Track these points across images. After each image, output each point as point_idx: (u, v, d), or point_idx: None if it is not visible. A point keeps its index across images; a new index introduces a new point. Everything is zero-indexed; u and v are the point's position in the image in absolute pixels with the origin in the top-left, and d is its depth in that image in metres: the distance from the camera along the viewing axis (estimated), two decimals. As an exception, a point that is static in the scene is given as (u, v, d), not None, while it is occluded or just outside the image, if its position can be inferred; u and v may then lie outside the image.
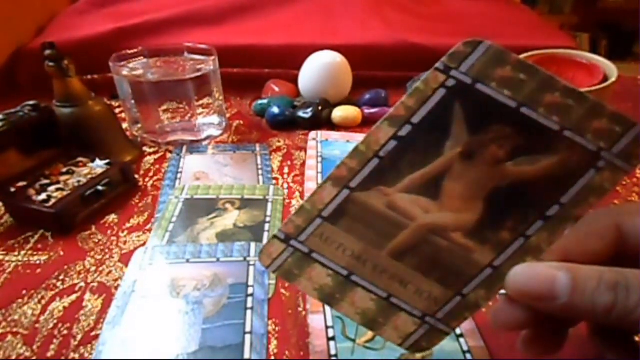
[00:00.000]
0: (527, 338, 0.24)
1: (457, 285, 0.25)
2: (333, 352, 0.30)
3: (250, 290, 0.35)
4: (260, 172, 0.52)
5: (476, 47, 0.22)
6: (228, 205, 0.45)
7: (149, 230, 0.43)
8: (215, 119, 0.60)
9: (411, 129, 0.23)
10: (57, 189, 0.44)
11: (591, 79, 0.54)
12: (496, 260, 0.24)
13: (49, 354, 0.31)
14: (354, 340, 0.31)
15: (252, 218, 0.44)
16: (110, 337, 0.31)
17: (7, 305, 0.35)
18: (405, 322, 0.25)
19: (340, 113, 0.61)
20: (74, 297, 0.35)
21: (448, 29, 0.79)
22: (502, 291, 0.24)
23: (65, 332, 0.32)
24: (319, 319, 0.33)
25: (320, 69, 0.65)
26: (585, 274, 0.21)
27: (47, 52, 0.48)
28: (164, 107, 0.58)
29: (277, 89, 0.69)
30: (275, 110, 0.62)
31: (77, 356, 0.31)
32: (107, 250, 0.40)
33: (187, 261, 0.38)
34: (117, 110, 0.61)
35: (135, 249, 0.40)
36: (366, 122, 0.62)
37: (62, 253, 0.40)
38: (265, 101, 0.65)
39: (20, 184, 0.44)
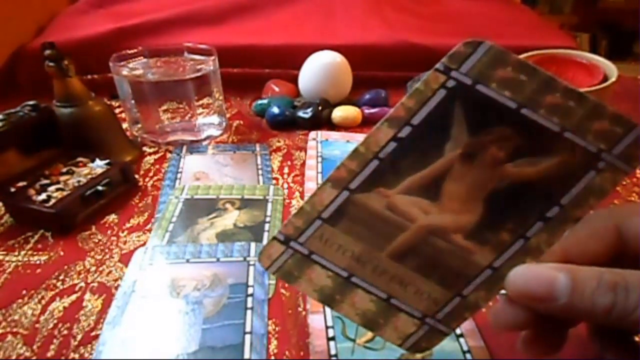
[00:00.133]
0: (527, 338, 0.24)
1: (457, 286, 0.25)
2: (333, 352, 0.30)
3: (250, 290, 0.35)
4: (260, 172, 0.52)
5: (476, 48, 0.22)
6: (228, 205, 0.45)
7: (149, 230, 0.43)
8: (215, 119, 0.60)
9: (411, 130, 0.23)
10: (57, 189, 0.44)
11: (591, 79, 0.54)
12: (496, 262, 0.24)
13: (49, 354, 0.31)
14: (354, 340, 0.31)
15: (252, 218, 0.44)
16: (110, 337, 0.31)
17: (7, 305, 0.35)
18: (405, 322, 0.25)
19: (340, 113, 0.61)
20: (74, 297, 0.35)
21: (448, 29, 0.79)
22: (502, 292, 0.24)
23: (65, 332, 0.32)
24: (319, 319, 0.33)
25: (320, 69, 0.65)
26: (584, 274, 0.21)
27: (47, 52, 0.48)
28: (164, 107, 0.58)
29: (277, 89, 0.69)
30: (275, 110, 0.62)
31: (77, 356, 0.31)
32: (107, 250, 0.40)
33: (187, 261, 0.38)
34: (117, 110, 0.61)
35: (135, 249, 0.40)
36: (366, 122, 0.62)
37: (62, 253, 0.40)
38: (265, 101, 0.65)
39: (20, 184, 0.44)
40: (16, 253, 0.40)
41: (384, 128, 0.23)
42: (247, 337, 0.31)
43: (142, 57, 0.59)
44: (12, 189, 0.43)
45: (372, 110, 0.63)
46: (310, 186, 0.49)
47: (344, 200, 0.24)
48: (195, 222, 0.43)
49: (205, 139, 0.59)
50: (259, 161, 0.54)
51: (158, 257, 0.38)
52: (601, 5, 2.31)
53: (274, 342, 0.32)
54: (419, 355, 0.30)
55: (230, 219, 0.43)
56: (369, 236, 0.25)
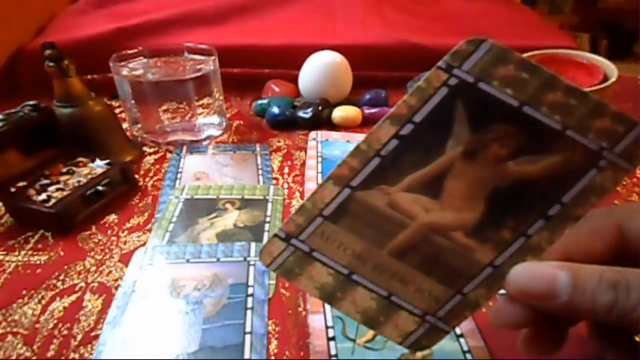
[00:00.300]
0: (527, 337, 0.24)
1: (457, 284, 0.25)
2: (333, 352, 0.30)
3: (250, 290, 0.35)
4: (260, 172, 0.52)
5: (479, 46, 0.22)
6: (228, 205, 0.45)
7: (149, 230, 0.43)
8: (215, 119, 0.60)
9: (413, 128, 0.23)
10: (57, 189, 0.44)
11: (591, 79, 0.54)
12: (497, 259, 0.24)
13: (49, 354, 0.31)
14: (354, 340, 0.31)
15: (252, 218, 0.44)
16: (110, 337, 0.31)
17: (7, 305, 0.35)
18: (405, 320, 0.25)
19: (340, 113, 0.61)
20: (74, 297, 0.35)
21: (448, 29, 0.79)
22: (502, 291, 0.24)
23: (65, 332, 0.32)
24: (319, 319, 0.33)
25: (320, 69, 0.65)
26: (585, 273, 0.21)
27: (47, 52, 0.48)
28: (164, 107, 0.58)
29: (277, 89, 0.69)
30: (275, 110, 0.62)
31: (77, 356, 0.31)
32: (107, 250, 0.40)
33: (187, 261, 0.38)
34: (117, 110, 0.61)
35: (135, 249, 0.40)
36: (366, 122, 0.62)
37: (62, 253, 0.40)
38: (265, 101, 0.65)
39: (20, 184, 0.44)
40: (16, 253, 0.40)
41: (385, 125, 0.23)
42: (247, 337, 0.31)
43: (142, 57, 0.59)
44: (12, 189, 0.43)
45: (372, 110, 0.63)
46: (310, 186, 0.49)
47: (346, 198, 0.24)
48: (195, 222, 0.43)
49: (205, 139, 0.58)
50: (259, 161, 0.54)
51: (158, 257, 0.38)
52: (601, 5, 2.31)
53: (274, 342, 0.32)
54: (419, 355, 0.30)
55: (231, 219, 0.43)
56: (370, 234, 0.25)
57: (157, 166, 0.53)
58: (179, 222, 0.43)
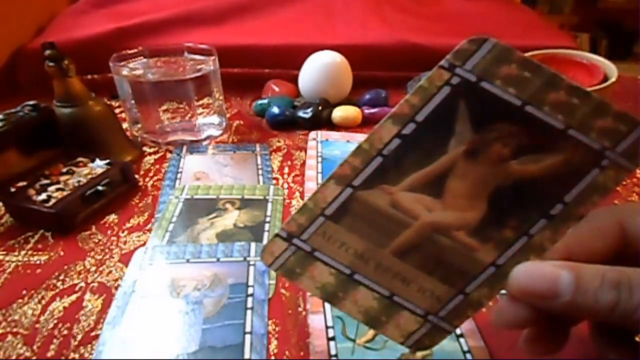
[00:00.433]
0: (529, 337, 0.24)
1: (459, 283, 0.25)
2: (333, 352, 0.30)
3: (250, 290, 0.35)
4: (260, 172, 0.52)
5: (481, 45, 0.22)
6: (228, 205, 0.45)
7: (149, 230, 0.42)
8: (215, 119, 0.60)
9: (415, 127, 0.23)
10: (57, 189, 0.44)
11: (591, 79, 0.54)
12: (499, 259, 0.24)
13: (49, 354, 0.31)
14: (354, 340, 0.31)
15: (252, 218, 0.44)
16: (110, 337, 0.31)
17: (7, 305, 0.34)
18: (407, 320, 0.25)
19: (340, 113, 0.61)
20: (74, 297, 0.35)
21: (448, 29, 0.79)
22: (503, 291, 0.24)
23: (65, 332, 0.32)
24: (319, 319, 0.32)
25: (320, 69, 0.65)
26: (588, 272, 0.21)
27: (47, 52, 0.47)
28: (164, 107, 0.58)
29: (277, 89, 0.69)
30: (275, 110, 0.62)
31: (77, 356, 0.31)
32: (107, 250, 0.40)
33: (187, 261, 0.38)
34: (117, 110, 0.61)
35: (135, 249, 0.39)
36: (366, 122, 0.62)
37: (62, 253, 0.40)
38: (265, 101, 0.65)
39: (20, 184, 0.44)
40: (16, 253, 0.40)
41: (387, 125, 0.23)
42: (247, 337, 0.31)
43: (142, 57, 0.59)
44: (12, 189, 0.43)
45: (372, 110, 0.63)
46: (311, 186, 0.49)
47: (347, 197, 0.24)
48: (195, 222, 0.43)
49: (205, 139, 0.58)
50: (259, 161, 0.54)
51: (158, 257, 0.38)
52: (601, 5, 2.31)
53: (274, 342, 0.32)
54: (419, 355, 0.30)
55: (231, 219, 0.43)
56: (372, 233, 0.25)
57: (157, 166, 0.53)
58: (179, 222, 0.43)
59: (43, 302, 0.35)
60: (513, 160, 0.23)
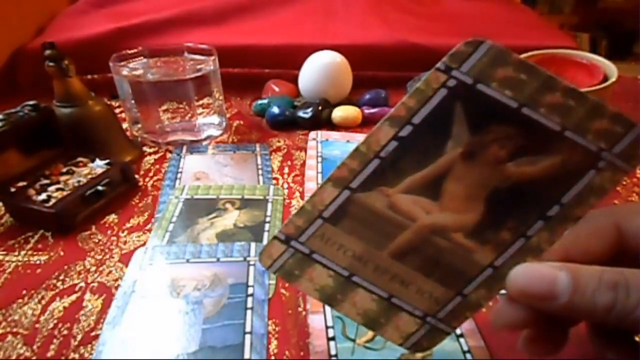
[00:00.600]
0: (527, 338, 0.24)
1: (458, 285, 0.25)
2: (333, 352, 0.30)
3: (250, 290, 0.35)
4: (260, 172, 0.52)
5: (477, 47, 0.22)
6: (228, 205, 0.45)
7: (149, 230, 0.43)
8: (215, 119, 0.60)
9: (412, 130, 0.23)
10: (57, 189, 0.44)
11: (591, 79, 0.54)
12: (497, 261, 0.24)
13: (49, 354, 0.31)
14: (354, 340, 0.31)
15: (252, 218, 0.44)
16: (110, 337, 0.31)
17: (7, 305, 0.35)
18: (406, 322, 0.25)
19: (340, 113, 0.61)
20: (74, 297, 0.35)
21: (448, 29, 0.79)
22: (503, 291, 0.24)
23: (65, 332, 0.32)
24: (319, 319, 0.33)
25: (320, 69, 0.65)
26: (585, 273, 0.21)
27: (47, 52, 0.48)
28: (164, 107, 0.58)
29: (277, 89, 0.69)
30: (275, 110, 0.62)
31: (77, 356, 0.31)
32: (107, 250, 0.40)
33: (187, 261, 0.38)
34: (117, 110, 0.61)
35: (135, 249, 0.40)
36: (366, 122, 0.62)
37: (62, 253, 0.40)
38: (265, 101, 0.65)
39: (20, 184, 0.44)
40: (16, 253, 0.40)
41: (385, 127, 0.23)
42: (247, 337, 0.31)
43: (142, 57, 0.59)
44: (12, 189, 0.43)
45: (372, 110, 0.63)
46: (310, 186, 0.49)
47: (345, 200, 0.24)
48: (195, 222, 0.43)
49: (205, 139, 0.58)
50: (259, 161, 0.54)
51: (158, 257, 0.38)
52: (601, 5, 2.31)
53: (274, 342, 0.32)
54: (419, 355, 0.30)
55: (231, 219, 0.43)
56: (370, 235, 0.25)
57: (157, 166, 0.53)
58: (179, 222, 0.43)
59: (43, 302, 0.35)
60: (510, 162, 0.23)
